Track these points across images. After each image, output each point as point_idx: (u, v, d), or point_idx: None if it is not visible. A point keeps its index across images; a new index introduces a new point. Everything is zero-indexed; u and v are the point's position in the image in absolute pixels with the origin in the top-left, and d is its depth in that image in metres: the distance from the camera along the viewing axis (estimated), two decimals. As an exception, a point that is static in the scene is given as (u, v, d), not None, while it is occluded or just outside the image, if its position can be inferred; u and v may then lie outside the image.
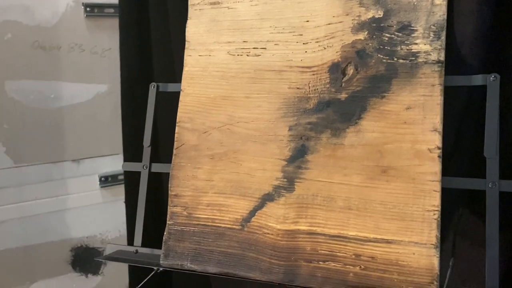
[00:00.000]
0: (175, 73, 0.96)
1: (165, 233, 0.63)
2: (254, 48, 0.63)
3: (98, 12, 1.61)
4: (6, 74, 1.44)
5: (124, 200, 1.25)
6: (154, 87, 0.71)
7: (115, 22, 1.35)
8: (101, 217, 1.61)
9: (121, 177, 1.46)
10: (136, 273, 0.89)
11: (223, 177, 0.61)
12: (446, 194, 0.56)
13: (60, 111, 1.46)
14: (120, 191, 1.49)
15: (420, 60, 0.55)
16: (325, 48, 0.59)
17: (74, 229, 1.61)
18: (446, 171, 0.56)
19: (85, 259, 1.59)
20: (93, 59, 1.61)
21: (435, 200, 0.51)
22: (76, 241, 1.58)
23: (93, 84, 1.55)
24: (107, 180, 1.59)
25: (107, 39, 1.56)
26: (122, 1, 1.15)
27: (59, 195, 1.58)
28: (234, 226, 0.59)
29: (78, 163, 1.61)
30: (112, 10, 1.58)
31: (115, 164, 1.56)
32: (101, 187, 1.60)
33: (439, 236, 0.51)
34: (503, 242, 0.60)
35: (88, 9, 1.57)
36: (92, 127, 1.51)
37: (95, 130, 1.53)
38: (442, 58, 0.54)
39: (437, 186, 0.51)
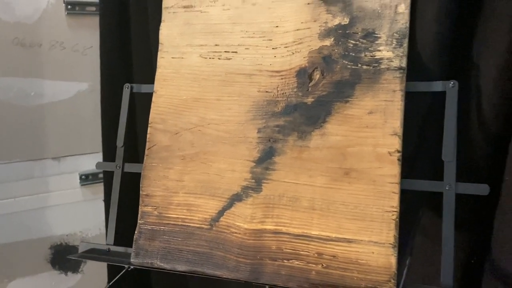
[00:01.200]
0: (153, 72, 0.98)
1: (136, 232, 0.64)
2: (225, 51, 0.65)
3: (80, 10, 1.61)
4: (-15, 72, 1.44)
5: (103, 198, 1.27)
6: (128, 88, 0.72)
7: (96, 20, 1.36)
8: (82, 215, 1.61)
9: (102, 175, 1.47)
10: (114, 271, 0.91)
11: (194, 177, 0.63)
12: (410, 195, 0.59)
13: (40, 108, 1.46)
14: (100, 189, 1.50)
15: (382, 66, 0.57)
16: (293, 53, 0.61)
17: (54, 227, 1.61)
18: (409, 173, 0.58)
19: (65, 257, 1.60)
20: (74, 57, 1.60)
21: (394, 202, 0.54)
22: (56, 239, 1.58)
23: (74, 82, 1.55)
24: (87, 178, 1.60)
25: (88, 37, 1.56)
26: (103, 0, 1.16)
27: (40, 193, 1.58)
28: (203, 226, 0.61)
29: (58, 161, 1.61)
30: (93, 8, 1.58)
31: (96, 162, 1.57)
32: (82, 185, 1.60)
33: (397, 236, 0.53)
34: (461, 242, 0.63)
35: (69, 6, 1.57)
36: (73, 125, 1.51)
37: (76, 128, 1.53)
38: (404, 64, 0.57)
39: (396, 188, 0.54)
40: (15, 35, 1.47)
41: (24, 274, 1.57)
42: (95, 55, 1.41)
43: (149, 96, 0.72)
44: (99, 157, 1.53)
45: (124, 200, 0.67)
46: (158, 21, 0.74)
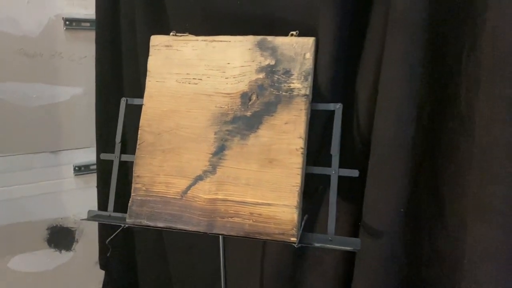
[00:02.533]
0: (139, 81, 1.25)
1: (130, 201, 0.96)
2: (193, 78, 0.97)
3: (76, 26, 1.92)
4: (-5, 77, 1.72)
5: (96, 185, 1.54)
6: (124, 101, 1.03)
7: (90, 34, 1.66)
8: (74, 201, 1.86)
9: (93, 167, 1.73)
10: (106, 237, 1.20)
11: (170, 164, 0.95)
12: (316, 178, 0.91)
13: (41, 109, 1.72)
14: (91, 179, 1.77)
15: (294, 93, 0.90)
16: (239, 82, 0.94)
17: (51, 211, 1.84)
18: (315, 162, 0.91)
19: (59, 237, 1.84)
20: (71, 65, 1.91)
21: (298, 179, 0.87)
22: (52, 221, 1.82)
23: (70, 86, 1.85)
24: (80, 169, 1.84)
25: (83, 48, 1.85)
26: (98, 18, 1.43)
27: (39, 181, 1.82)
28: (176, 196, 0.93)
29: (55, 154, 1.86)
30: (88, 24, 1.88)
31: (88, 155, 1.82)
32: (75, 175, 1.85)
33: (299, 201, 0.86)
34: (348, 209, 0.96)
35: (67, 22, 1.88)
36: (68, 123, 1.79)
37: (71, 126, 1.80)
38: (308, 92, 0.90)
39: (299, 171, 0.87)
40: (21, 46, 1.76)
41: (24, 251, 1.80)
42: (88, 64, 1.70)
43: (135, 107, 1.02)
44: (90, 151, 1.79)
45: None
46: (146, 36, 1.00)
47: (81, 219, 1.12)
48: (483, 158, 0.75)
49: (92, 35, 1.64)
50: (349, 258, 0.99)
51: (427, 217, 0.88)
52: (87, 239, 1.81)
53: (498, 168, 0.72)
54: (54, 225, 1.84)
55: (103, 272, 1.57)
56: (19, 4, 1.76)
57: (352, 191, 0.96)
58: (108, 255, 1.22)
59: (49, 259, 1.83)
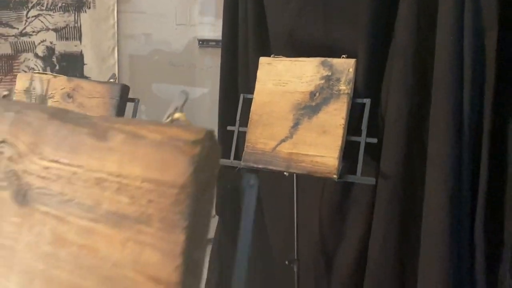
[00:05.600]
0: (248, 84, 2.01)
1: (243, 154, 1.73)
2: (283, 83, 1.71)
3: (205, 44, 2.83)
4: (152, 80, 2.67)
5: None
6: (242, 96, 1.81)
7: (214, 50, 2.52)
8: None
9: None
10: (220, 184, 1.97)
11: (267, 132, 1.70)
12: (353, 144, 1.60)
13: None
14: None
15: (341, 92, 1.60)
16: (309, 85, 1.66)
17: None
18: (353, 134, 1.60)
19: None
20: (201, 72, 2.82)
21: (339, 142, 1.56)
22: None
23: (200, 87, 2.74)
24: None
25: (210, 61, 2.75)
26: (224, 40, 2.23)
27: None
28: (269, 151, 1.68)
29: None
30: (214, 43, 2.77)
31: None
32: None
33: (340, 155, 1.55)
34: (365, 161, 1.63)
35: (200, 42, 2.79)
36: (199, 113, 2.64)
37: (196, 117, 2.65)
38: (350, 92, 1.59)
39: (341, 138, 1.56)
40: (170, 59, 2.70)
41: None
42: (213, 72, 2.55)
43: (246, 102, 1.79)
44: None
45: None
46: (255, 54, 1.78)
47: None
48: None
49: (216, 51, 2.52)
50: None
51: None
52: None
53: None
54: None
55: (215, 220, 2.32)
56: (169, 30, 2.71)
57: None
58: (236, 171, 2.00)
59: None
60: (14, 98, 1.32)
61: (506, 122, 1.32)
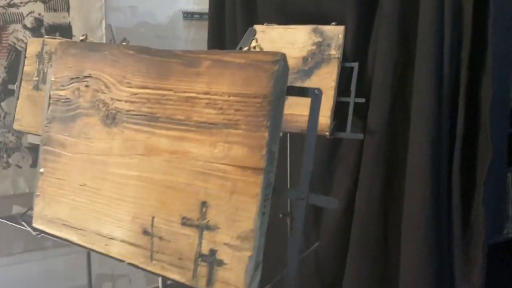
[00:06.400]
0: None
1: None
2: (276, 49, 1.86)
3: (190, 17, 2.93)
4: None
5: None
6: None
7: (198, 23, 2.63)
8: None
9: None
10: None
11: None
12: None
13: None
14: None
15: (332, 57, 1.77)
16: (301, 51, 1.81)
17: None
18: (342, 95, 1.77)
19: None
20: (186, 44, 2.92)
21: (331, 102, 1.73)
22: None
23: (186, 59, 2.83)
24: None
25: (194, 33, 2.85)
26: (210, 12, 2.35)
27: None
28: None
29: None
30: (198, 16, 2.88)
31: None
32: None
33: (332, 113, 1.72)
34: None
35: (184, 14, 2.89)
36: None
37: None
38: (339, 56, 1.76)
39: (332, 97, 1.73)
40: (155, 32, 2.79)
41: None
42: (198, 43, 2.66)
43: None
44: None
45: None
46: (243, 24, 1.91)
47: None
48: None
49: (199, 23, 2.62)
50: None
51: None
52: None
53: None
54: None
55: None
56: (155, 2, 2.79)
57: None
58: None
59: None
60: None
61: (478, 77, 1.54)
